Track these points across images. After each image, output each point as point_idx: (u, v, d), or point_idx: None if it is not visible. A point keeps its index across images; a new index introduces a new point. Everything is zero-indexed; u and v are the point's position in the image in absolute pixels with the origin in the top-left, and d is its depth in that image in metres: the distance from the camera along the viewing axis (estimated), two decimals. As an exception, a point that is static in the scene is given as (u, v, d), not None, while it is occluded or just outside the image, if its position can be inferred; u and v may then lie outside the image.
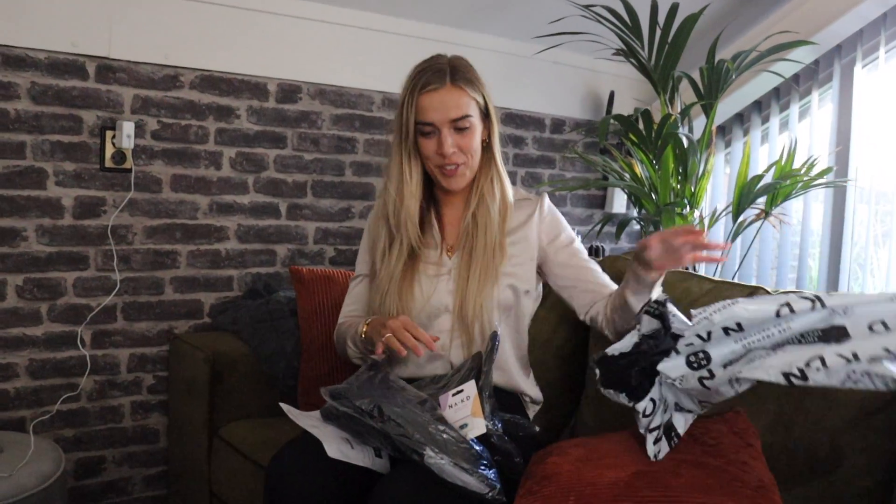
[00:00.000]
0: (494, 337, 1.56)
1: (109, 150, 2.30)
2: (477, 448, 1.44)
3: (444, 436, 1.43)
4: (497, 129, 1.73)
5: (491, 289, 1.67)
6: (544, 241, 1.75)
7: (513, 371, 1.74)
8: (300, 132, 2.65)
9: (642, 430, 1.36)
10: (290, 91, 2.62)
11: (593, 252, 3.31)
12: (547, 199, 1.79)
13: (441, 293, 1.70)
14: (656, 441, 1.35)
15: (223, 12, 2.45)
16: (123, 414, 2.41)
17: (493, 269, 1.68)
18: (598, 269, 1.75)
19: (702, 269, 3.18)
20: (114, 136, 2.30)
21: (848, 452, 1.48)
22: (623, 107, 3.33)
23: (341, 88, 2.72)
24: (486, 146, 1.73)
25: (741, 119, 3.38)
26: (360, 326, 1.68)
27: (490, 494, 1.41)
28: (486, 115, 1.71)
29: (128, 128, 2.28)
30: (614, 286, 1.70)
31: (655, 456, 1.35)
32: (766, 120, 3.27)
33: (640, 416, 1.36)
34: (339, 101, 2.72)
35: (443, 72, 1.65)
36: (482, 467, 1.42)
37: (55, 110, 2.23)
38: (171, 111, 2.41)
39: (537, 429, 1.60)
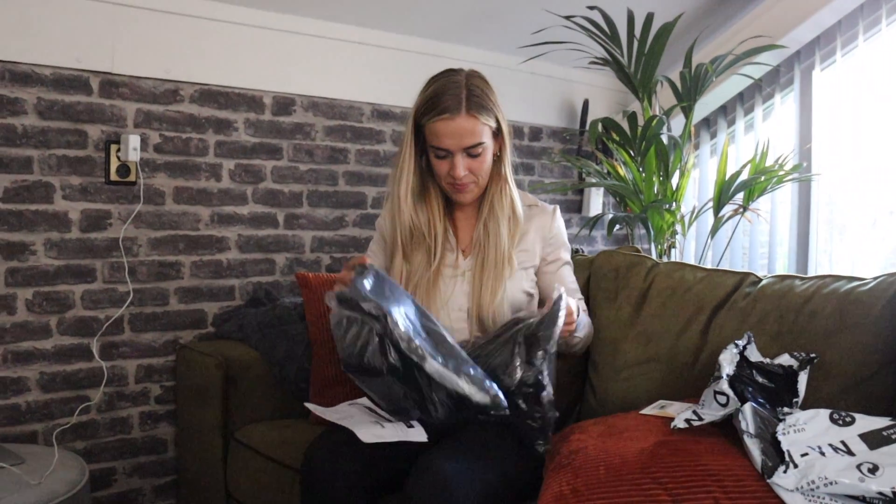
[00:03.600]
0: (559, 299, 1.57)
1: (114, 164, 2.34)
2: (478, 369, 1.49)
3: (451, 347, 1.50)
4: (509, 143, 1.81)
5: (503, 295, 1.78)
6: (545, 253, 1.87)
7: None
8: (295, 143, 2.72)
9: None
10: (284, 104, 2.69)
11: (572, 253, 3.43)
12: (558, 215, 1.90)
13: (458, 295, 1.80)
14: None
15: (220, 28, 2.51)
16: (132, 425, 2.43)
17: (503, 278, 1.78)
18: (573, 289, 1.90)
19: (690, 259, 3.33)
20: (118, 150, 2.34)
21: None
22: (596, 114, 3.47)
23: (333, 101, 2.80)
24: (497, 159, 1.81)
25: (707, 123, 3.55)
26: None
27: (491, 402, 1.45)
28: (497, 132, 1.78)
29: (133, 141, 2.32)
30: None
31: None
32: (731, 123, 3.45)
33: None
34: (331, 112, 2.80)
35: (458, 98, 1.69)
36: (486, 381, 1.47)
37: (61, 125, 2.26)
38: (172, 125, 2.46)
39: (557, 414, 1.69)
